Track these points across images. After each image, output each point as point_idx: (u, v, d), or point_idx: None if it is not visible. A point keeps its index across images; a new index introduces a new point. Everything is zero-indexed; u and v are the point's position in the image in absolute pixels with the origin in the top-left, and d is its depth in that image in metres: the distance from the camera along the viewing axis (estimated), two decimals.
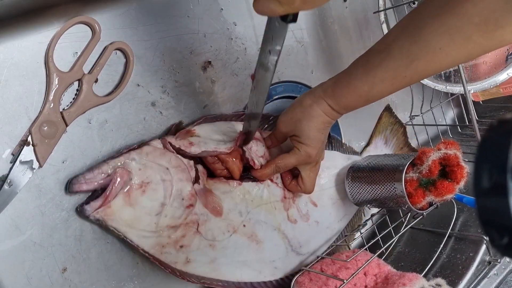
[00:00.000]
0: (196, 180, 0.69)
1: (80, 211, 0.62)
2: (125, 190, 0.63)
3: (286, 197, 0.79)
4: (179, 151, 0.68)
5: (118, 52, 0.66)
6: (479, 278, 0.77)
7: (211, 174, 0.73)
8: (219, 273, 0.71)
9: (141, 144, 0.66)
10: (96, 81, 0.64)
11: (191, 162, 0.69)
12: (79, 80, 0.62)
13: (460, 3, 0.57)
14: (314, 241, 0.83)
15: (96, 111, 0.65)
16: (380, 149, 1.01)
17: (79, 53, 0.63)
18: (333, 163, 0.88)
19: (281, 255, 0.78)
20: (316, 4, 0.49)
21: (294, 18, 0.51)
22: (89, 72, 0.63)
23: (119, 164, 0.63)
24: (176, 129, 0.71)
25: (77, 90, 0.62)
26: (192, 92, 0.74)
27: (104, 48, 0.64)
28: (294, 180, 0.77)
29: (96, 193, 0.63)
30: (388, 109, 1.03)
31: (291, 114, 0.72)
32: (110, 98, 0.65)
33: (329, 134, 0.92)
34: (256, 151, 0.74)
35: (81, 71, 0.62)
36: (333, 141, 0.92)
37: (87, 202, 0.62)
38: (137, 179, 0.63)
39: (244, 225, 0.73)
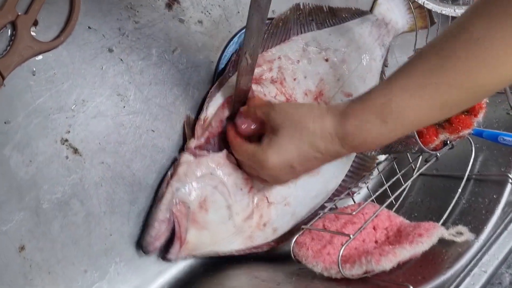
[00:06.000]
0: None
1: (165, 260, 0.62)
2: (191, 219, 0.62)
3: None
4: (208, 148, 0.65)
5: None
6: (505, 221, 0.66)
7: None
8: (301, 217, 0.73)
9: (174, 166, 0.63)
10: (35, 23, 0.54)
11: (224, 151, 0.65)
12: (13, 23, 0.52)
13: None
14: None
15: (40, 60, 0.55)
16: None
17: None
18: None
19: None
20: None
21: None
22: (25, 13, 0.53)
23: (170, 202, 0.61)
24: (191, 127, 0.66)
25: (12, 35, 0.52)
26: (156, 34, 0.63)
27: None
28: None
29: (170, 238, 0.62)
30: None
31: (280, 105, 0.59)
32: (55, 44, 0.55)
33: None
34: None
35: (14, 11, 0.52)
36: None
37: (166, 250, 0.62)
38: (194, 203, 0.62)
39: None
